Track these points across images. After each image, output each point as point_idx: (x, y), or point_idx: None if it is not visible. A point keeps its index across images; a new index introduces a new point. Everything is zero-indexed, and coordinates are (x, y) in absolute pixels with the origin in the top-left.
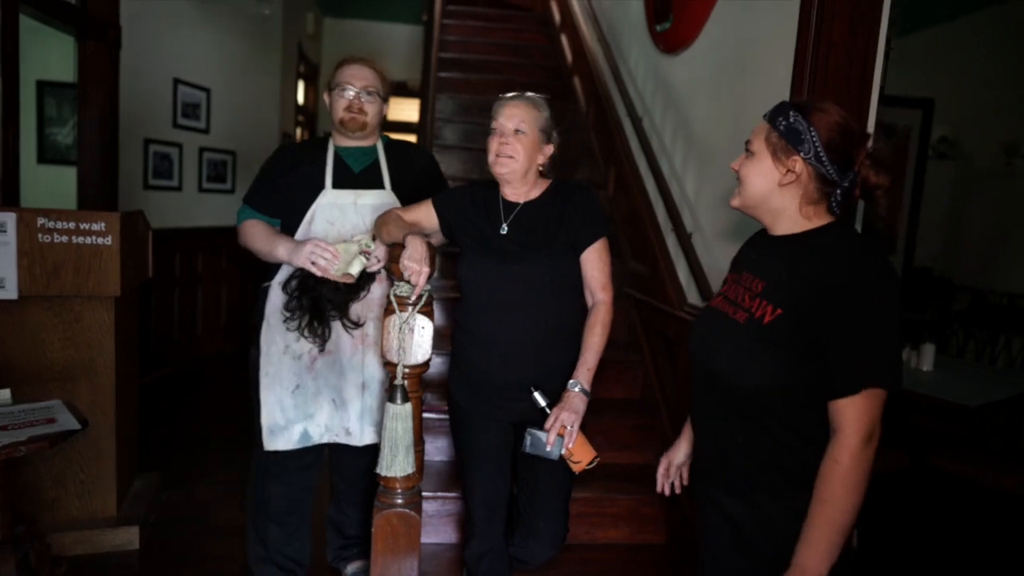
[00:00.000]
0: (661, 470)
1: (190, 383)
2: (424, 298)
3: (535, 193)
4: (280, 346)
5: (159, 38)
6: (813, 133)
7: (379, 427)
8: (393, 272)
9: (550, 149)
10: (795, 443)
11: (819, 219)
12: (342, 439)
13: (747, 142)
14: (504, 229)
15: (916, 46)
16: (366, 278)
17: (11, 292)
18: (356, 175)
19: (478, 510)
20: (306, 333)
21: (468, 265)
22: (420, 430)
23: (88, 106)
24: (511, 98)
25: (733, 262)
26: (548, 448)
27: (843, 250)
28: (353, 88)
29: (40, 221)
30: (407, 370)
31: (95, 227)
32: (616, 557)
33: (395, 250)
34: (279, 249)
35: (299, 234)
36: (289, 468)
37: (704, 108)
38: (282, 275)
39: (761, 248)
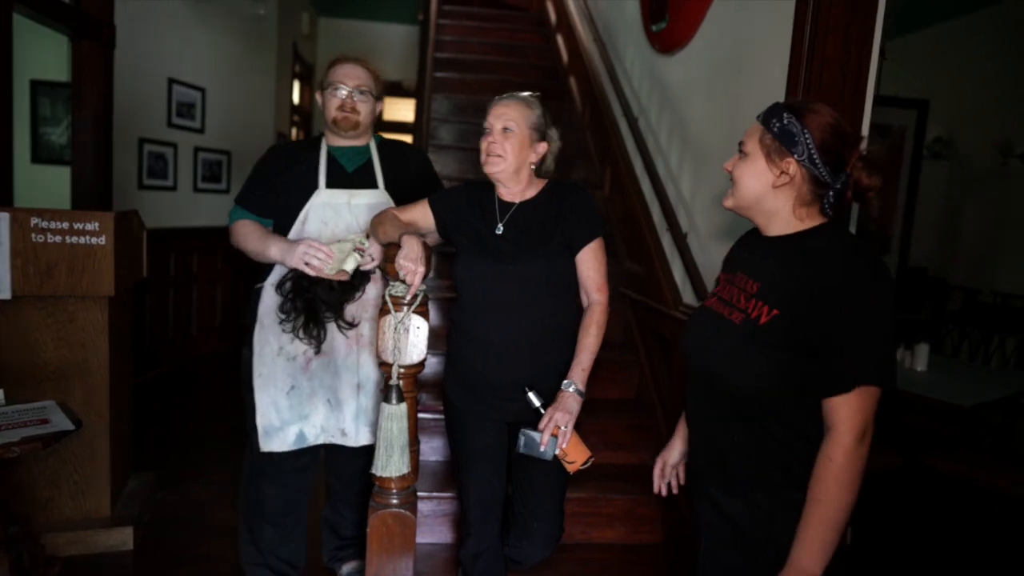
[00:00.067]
0: (657, 470)
1: (185, 383)
2: (419, 298)
3: (530, 193)
4: (274, 347)
5: (154, 38)
6: (807, 135)
7: (375, 428)
8: (388, 272)
9: (543, 147)
10: (793, 441)
11: (812, 220)
12: (337, 440)
13: (740, 143)
14: (500, 229)
15: (911, 47)
16: (360, 278)
17: (4, 292)
18: (349, 175)
19: (473, 510)
20: (301, 335)
21: (464, 265)
22: (415, 430)
23: (82, 106)
24: (501, 98)
25: (725, 262)
26: (542, 448)
27: (837, 251)
28: (346, 87)
29: (34, 221)
30: (402, 370)
31: (89, 227)
32: (612, 557)
33: (390, 250)
34: (272, 249)
35: (292, 234)
36: (285, 469)
37: (700, 108)
38: (275, 276)
39: (754, 248)
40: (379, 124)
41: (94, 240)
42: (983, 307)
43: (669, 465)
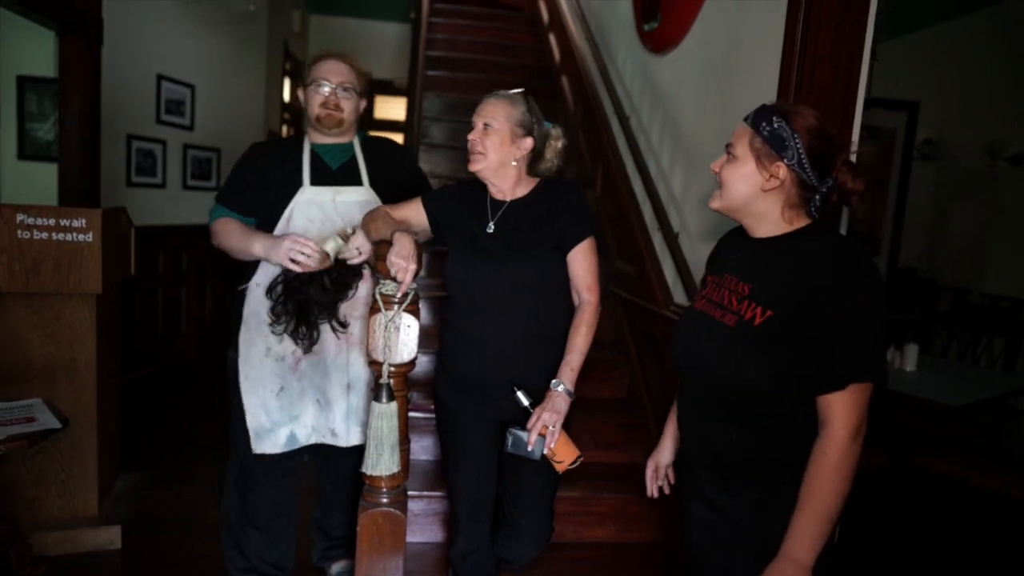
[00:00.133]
0: (649, 473)
1: (177, 382)
2: (410, 296)
3: (522, 191)
4: (261, 349)
5: (142, 34)
6: (797, 139)
7: (365, 427)
8: (379, 270)
9: (528, 143)
10: (787, 438)
11: (800, 222)
12: (328, 440)
13: (728, 145)
14: (491, 228)
15: (901, 49)
16: (353, 276)
17: None
18: (334, 172)
19: (463, 509)
20: (294, 336)
21: (455, 264)
22: (406, 429)
23: (69, 102)
24: (485, 97)
25: (710, 263)
26: (529, 448)
27: (828, 252)
28: (329, 84)
29: (19, 217)
30: (393, 369)
31: (76, 223)
32: (603, 556)
33: (381, 248)
34: (255, 246)
35: (278, 232)
36: (275, 472)
37: (691, 107)
38: (260, 276)
39: (741, 250)
40: (370, 122)
41: (81, 237)
42: (972, 308)
43: (662, 467)
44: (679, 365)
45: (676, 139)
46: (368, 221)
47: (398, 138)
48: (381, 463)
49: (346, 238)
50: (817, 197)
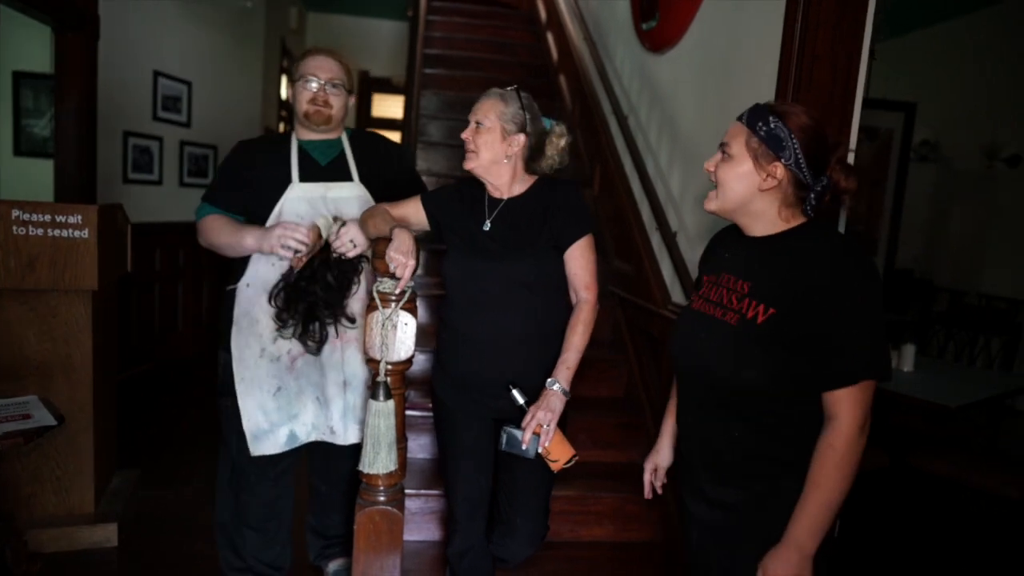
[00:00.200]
0: (647, 476)
1: (174, 379)
2: (407, 294)
3: (519, 189)
4: (255, 350)
5: (139, 30)
6: (794, 139)
7: (362, 425)
8: (377, 268)
9: (520, 140)
10: (787, 434)
11: (796, 220)
12: (327, 437)
13: (723, 144)
14: (487, 226)
15: (898, 50)
16: (352, 270)
17: None
18: (323, 168)
19: (460, 508)
20: (303, 339)
21: (452, 263)
22: (403, 427)
23: (65, 98)
24: (480, 96)
25: (704, 263)
26: (524, 446)
27: (826, 249)
28: (317, 80)
29: (15, 213)
30: (390, 367)
31: (72, 220)
32: (601, 555)
33: (379, 245)
34: (248, 239)
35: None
36: (268, 472)
37: (690, 107)
38: (249, 276)
39: (737, 248)
40: (368, 120)
41: (77, 233)
42: (969, 309)
43: (661, 469)
44: (677, 365)
45: (674, 138)
46: (367, 218)
47: (395, 136)
48: (378, 461)
49: (335, 220)
50: (812, 196)
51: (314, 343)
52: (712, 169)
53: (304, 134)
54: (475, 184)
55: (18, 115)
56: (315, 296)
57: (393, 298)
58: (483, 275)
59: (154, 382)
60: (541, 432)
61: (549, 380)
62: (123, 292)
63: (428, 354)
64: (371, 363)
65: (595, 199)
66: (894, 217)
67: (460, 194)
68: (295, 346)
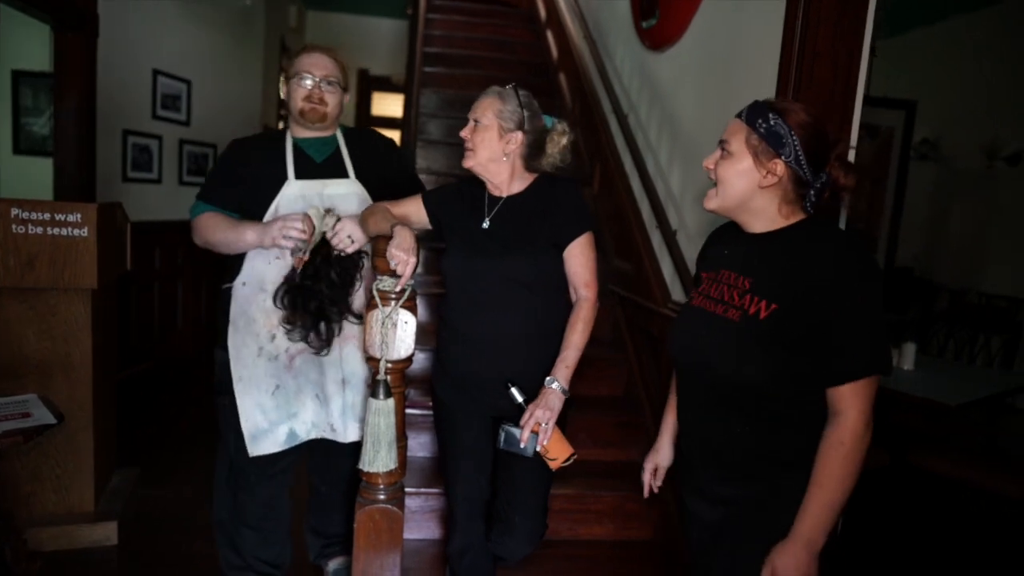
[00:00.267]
0: (647, 476)
1: (173, 378)
2: (407, 293)
3: (518, 187)
4: (253, 349)
5: (138, 29)
6: (794, 136)
7: (362, 423)
8: (377, 266)
9: (517, 137)
10: (789, 431)
11: (796, 216)
12: (328, 435)
13: (723, 141)
14: (486, 224)
15: (899, 48)
16: (353, 265)
17: None
18: (319, 165)
19: (460, 506)
20: (311, 339)
21: (452, 261)
22: (403, 426)
23: (64, 96)
24: (479, 94)
25: (702, 260)
26: (522, 445)
27: (829, 245)
28: (312, 77)
29: (14, 211)
30: (390, 365)
31: (71, 218)
32: (600, 553)
33: (380, 243)
34: (248, 234)
35: None
36: (266, 472)
37: (690, 105)
38: (245, 275)
39: (736, 246)
40: (368, 118)
41: (76, 232)
42: (969, 307)
43: (662, 469)
44: (677, 362)
45: (674, 136)
46: (367, 215)
47: (395, 135)
48: (378, 460)
49: (328, 211)
50: (812, 192)
51: (325, 344)
52: (711, 166)
53: (299, 131)
54: (476, 183)
55: (17, 113)
56: (321, 294)
57: (393, 296)
58: (483, 274)
59: (153, 381)
60: (539, 430)
61: (548, 378)
62: (122, 291)
63: (428, 352)
64: (371, 361)
65: (595, 197)
66: (894, 215)
67: (461, 193)
68: (293, 344)
